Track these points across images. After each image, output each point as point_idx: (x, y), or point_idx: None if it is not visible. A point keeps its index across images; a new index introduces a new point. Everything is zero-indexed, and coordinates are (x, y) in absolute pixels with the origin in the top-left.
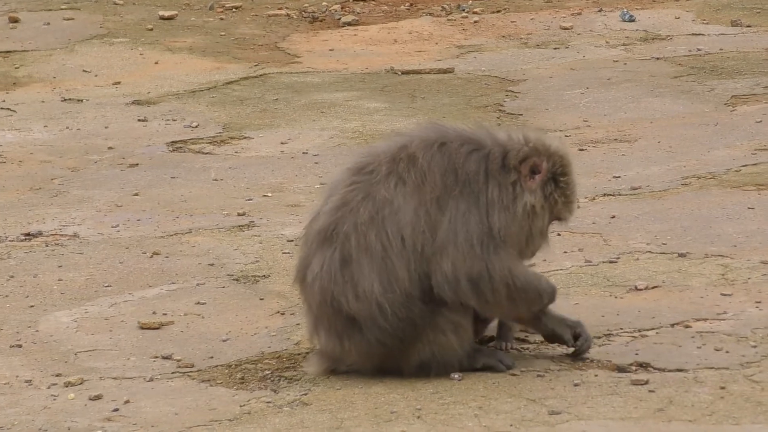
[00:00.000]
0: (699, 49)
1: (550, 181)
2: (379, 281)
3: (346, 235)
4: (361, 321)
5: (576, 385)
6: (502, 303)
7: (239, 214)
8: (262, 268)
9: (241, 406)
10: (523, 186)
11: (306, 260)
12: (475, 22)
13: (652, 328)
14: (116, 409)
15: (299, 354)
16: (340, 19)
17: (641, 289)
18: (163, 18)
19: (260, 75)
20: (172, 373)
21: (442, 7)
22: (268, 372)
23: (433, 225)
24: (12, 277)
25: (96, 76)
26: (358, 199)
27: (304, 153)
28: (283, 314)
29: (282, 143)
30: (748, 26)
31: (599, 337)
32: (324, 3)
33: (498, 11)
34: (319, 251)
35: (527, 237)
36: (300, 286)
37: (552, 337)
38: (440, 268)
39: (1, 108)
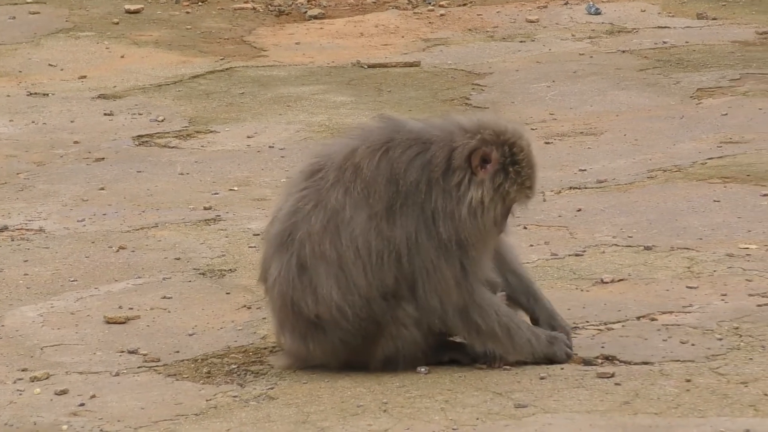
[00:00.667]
0: (665, 42)
1: (500, 171)
2: (337, 287)
3: (300, 242)
4: (323, 323)
5: (542, 378)
6: (494, 330)
7: (205, 208)
8: (228, 262)
9: (207, 400)
10: (469, 182)
11: (266, 263)
12: (442, 15)
13: (618, 321)
14: (82, 404)
15: (265, 348)
16: (306, 12)
17: (607, 282)
18: (129, 12)
19: (226, 69)
20: (138, 367)
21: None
22: (234, 366)
23: (386, 238)
24: None
25: (62, 70)
26: (309, 207)
27: (270, 147)
28: (249, 308)
29: (248, 137)
30: (714, 19)
31: None
32: None
33: (464, 4)
34: (276, 256)
35: (481, 232)
36: (263, 287)
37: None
38: (427, 303)
39: None
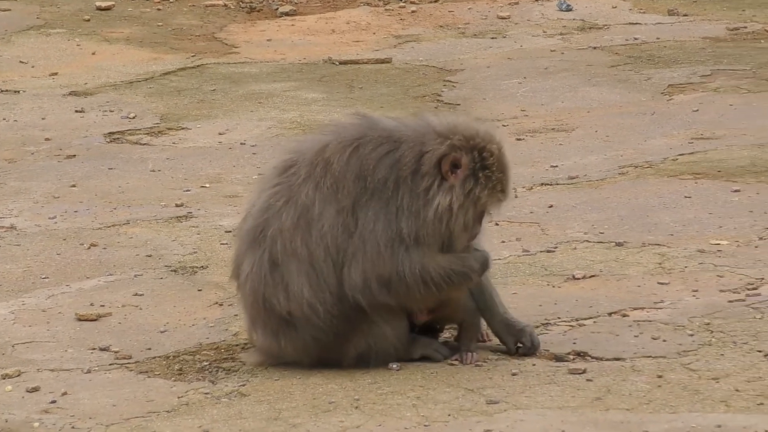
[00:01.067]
0: (636, 38)
1: (470, 177)
2: (308, 284)
3: (272, 238)
4: (295, 320)
5: (514, 374)
6: (422, 296)
7: (177, 205)
8: (200, 259)
9: (179, 397)
10: (438, 187)
11: (239, 259)
12: (413, 11)
13: (590, 317)
14: (54, 401)
15: (237, 345)
16: (277, 9)
17: (579, 279)
18: (100, 8)
19: (198, 65)
20: (110, 364)
21: None
22: (206, 363)
23: (349, 233)
24: None
25: (33, 67)
26: (280, 203)
27: (242, 144)
28: (221, 305)
29: (220, 134)
30: (685, 15)
31: (537, 326)
32: None
33: (435, 1)
34: (249, 252)
35: (448, 236)
36: (236, 283)
37: (496, 336)
38: (350, 277)
39: None
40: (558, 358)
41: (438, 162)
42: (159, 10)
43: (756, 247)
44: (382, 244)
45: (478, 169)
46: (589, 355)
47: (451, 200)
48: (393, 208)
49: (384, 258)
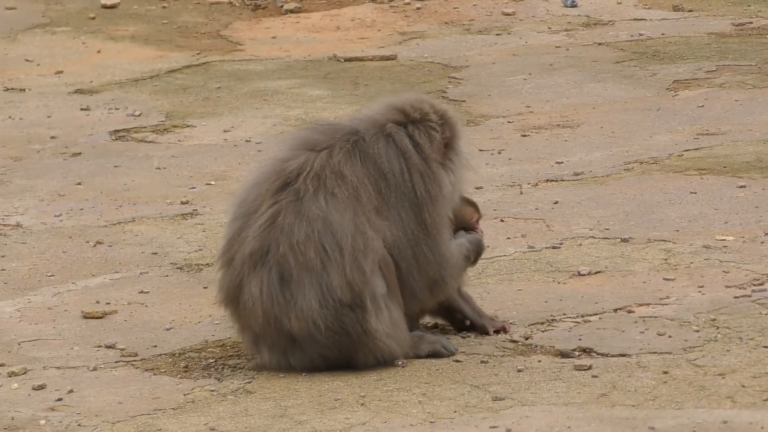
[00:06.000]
0: (641, 34)
1: (451, 150)
2: (315, 297)
3: (282, 256)
4: (301, 339)
5: (519, 370)
6: (452, 288)
7: (182, 203)
8: (205, 257)
9: (185, 394)
10: (443, 162)
11: (237, 283)
12: (418, 8)
13: (595, 314)
14: (60, 399)
15: (242, 342)
16: (282, 6)
17: (584, 275)
18: (105, 6)
19: (203, 63)
20: (116, 362)
21: None
22: (211, 360)
23: (373, 230)
24: None
25: (38, 65)
26: (289, 220)
27: (247, 141)
28: None
29: (225, 131)
30: (690, 11)
31: (542, 323)
32: None
33: None
34: (253, 274)
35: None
36: (232, 308)
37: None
38: (412, 279)
39: None
40: (563, 355)
41: (432, 141)
42: (164, 7)
43: (762, 242)
44: (424, 244)
45: (455, 139)
46: (595, 352)
47: (453, 177)
48: (414, 200)
49: (429, 261)
